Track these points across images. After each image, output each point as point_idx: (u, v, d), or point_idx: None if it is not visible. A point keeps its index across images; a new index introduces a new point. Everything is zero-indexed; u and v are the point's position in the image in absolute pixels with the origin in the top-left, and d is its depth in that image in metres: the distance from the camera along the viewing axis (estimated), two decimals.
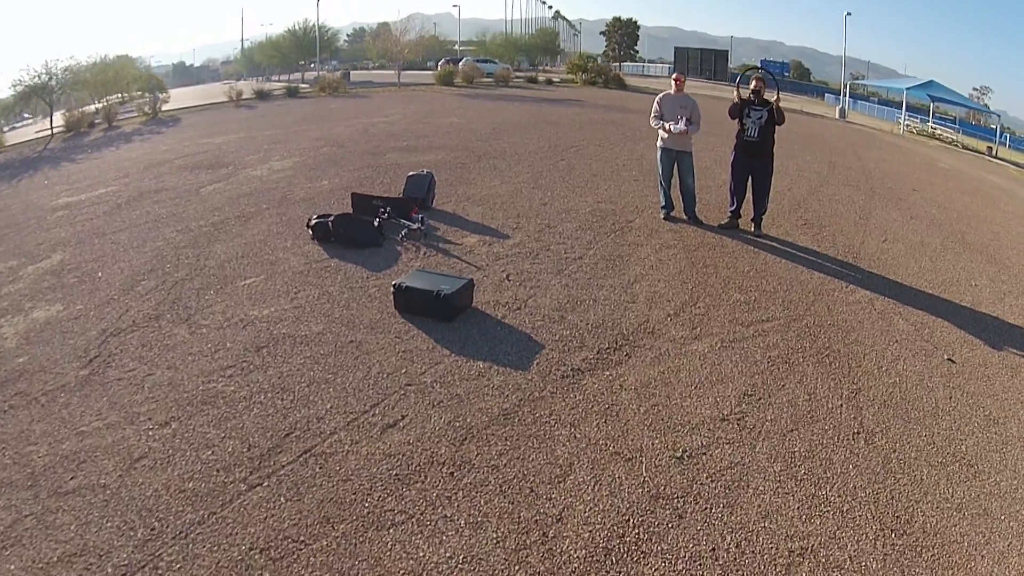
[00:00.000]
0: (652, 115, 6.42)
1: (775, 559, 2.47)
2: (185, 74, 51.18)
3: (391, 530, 2.54)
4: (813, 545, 2.55)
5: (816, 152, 12.65)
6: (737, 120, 6.11)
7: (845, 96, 21.93)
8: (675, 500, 2.75)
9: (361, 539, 2.49)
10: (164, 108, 18.13)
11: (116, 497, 2.66)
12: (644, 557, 2.45)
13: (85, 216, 6.85)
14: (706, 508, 2.72)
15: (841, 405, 3.52)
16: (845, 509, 2.76)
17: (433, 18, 41.32)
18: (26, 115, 20.81)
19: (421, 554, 2.42)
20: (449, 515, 2.62)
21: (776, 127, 6.05)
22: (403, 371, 3.61)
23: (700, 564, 2.43)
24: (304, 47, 33.22)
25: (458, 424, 3.17)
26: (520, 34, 40.82)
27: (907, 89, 19.95)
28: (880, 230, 7.00)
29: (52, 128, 15.92)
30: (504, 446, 3.03)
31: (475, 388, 3.47)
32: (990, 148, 19.61)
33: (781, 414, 3.40)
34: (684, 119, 6.09)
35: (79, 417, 3.23)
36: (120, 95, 22.46)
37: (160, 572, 2.34)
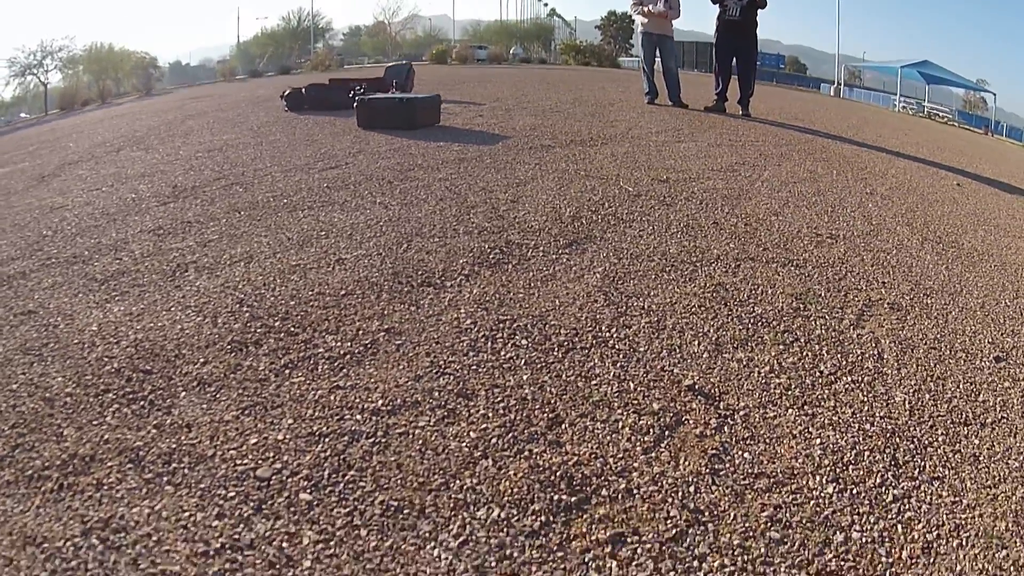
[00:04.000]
0: (631, 2, 6.22)
1: (800, 234, 2.19)
2: (181, 73, 50.89)
3: (302, 212, 2.18)
4: (846, 234, 2.27)
5: (808, 104, 12.45)
6: (718, 2, 5.89)
7: (839, 76, 21.86)
8: (664, 199, 2.40)
9: (261, 215, 2.15)
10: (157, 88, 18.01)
11: (23, 228, 2.44)
12: (635, 220, 2.11)
13: (67, 130, 6.72)
14: (702, 204, 2.39)
15: (849, 179, 3.17)
16: (876, 223, 2.48)
17: (431, 19, 41.45)
18: (23, 114, 20.82)
19: (335, 220, 2.07)
20: (379, 200, 2.25)
21: (758, 10, 5.84)
22: (356, 148, 3.24)
23: (707, 236, 2.10)
24: (299, 35, 33.17)
25: (407, 164, 2.79)
26: (516, 21, 40.87)
27: (902, 67, 19.73)
28: (874, 135, 6.68)
29: (46, 109, 15.82)
30: (455, 171, 2.65)
31: (432, 153, 3.09)
32: (987, 129, 19.52)
33: (779, 174, 3.03)
34: (663, 0, 5.89)
35: (16, 202, 3.01)
36: (116, 77, 22.39)
37: (34, 254, 2.09)
